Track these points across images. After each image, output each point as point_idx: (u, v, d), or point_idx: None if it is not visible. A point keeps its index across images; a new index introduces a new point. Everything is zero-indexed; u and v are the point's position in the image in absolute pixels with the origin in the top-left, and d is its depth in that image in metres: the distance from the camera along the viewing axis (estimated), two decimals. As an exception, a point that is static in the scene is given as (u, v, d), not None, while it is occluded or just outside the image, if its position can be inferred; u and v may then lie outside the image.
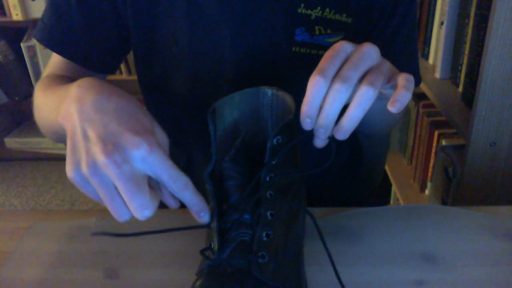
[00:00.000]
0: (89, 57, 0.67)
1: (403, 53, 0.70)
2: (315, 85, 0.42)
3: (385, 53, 0.68)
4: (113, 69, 0.72)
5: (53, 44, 0.66)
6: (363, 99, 0.42)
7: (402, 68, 0.71)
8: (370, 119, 0.54)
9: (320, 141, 0.46)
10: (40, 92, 0.62)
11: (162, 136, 0.43)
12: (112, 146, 0.38)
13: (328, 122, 0.43)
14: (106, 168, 0.38)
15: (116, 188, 0.39)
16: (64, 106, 0.44)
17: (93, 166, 0.39)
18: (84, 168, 0.39)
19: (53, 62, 0.70)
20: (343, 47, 0.44)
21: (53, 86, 0.60)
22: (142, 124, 0.41)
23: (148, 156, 0.39)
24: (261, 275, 0.41)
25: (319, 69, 0.42)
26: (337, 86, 0.42)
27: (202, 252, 0.44)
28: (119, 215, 0.41)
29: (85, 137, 0.40)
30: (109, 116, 0.41)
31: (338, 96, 0.42)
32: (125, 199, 0.39)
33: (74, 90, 0.44)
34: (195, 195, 0.43)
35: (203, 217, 0.44)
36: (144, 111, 0.44)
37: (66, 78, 0.66)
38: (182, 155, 0.77)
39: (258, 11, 0.62)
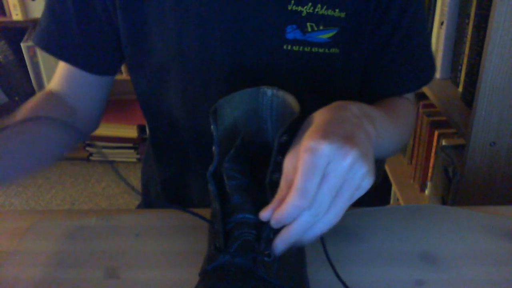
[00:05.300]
0: (88, 59, 0.68)
1: (411, 43, 0.68)
2: (294, 207, 0.40)
3: (388, 46, 0.67)
4: (113, 71, 0.72)
5: (51, 47, 0.68)
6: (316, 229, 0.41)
7: (412, 59, 0.70)
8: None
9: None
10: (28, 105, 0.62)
11: None
12: None
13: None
14: None
15: None
16: None
17: None
18: None
19: (57, 73, 0.71)
20: (322, 160, 0.40)
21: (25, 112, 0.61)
22: None
23: None
24: (266, 274, 0.41)
25: (300, 189, 0.40)
26: (313, 211, 0.40)
27: (215, 246, 0.44)
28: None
29: None
30: None
31: (310, 222, 0.41)
32: None
33: None
34: None
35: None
36: None
37: (53, 101, 0.68)
38: (179, 157, 0.77)
39: (247, 9, 0.62)
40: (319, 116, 0.44)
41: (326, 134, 0.40)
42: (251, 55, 0.64)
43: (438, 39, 1.22)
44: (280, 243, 0.42)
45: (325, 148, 0.39)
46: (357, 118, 0.46)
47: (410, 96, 0.74)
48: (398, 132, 0.65)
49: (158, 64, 0.67)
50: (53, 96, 0.70)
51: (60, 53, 0.68)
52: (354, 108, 0.47)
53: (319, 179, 0.39)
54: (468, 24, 1.05)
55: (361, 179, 0.41)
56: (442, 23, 1.18)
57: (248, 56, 0.64)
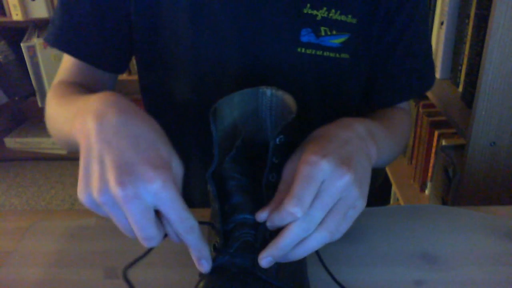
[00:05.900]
0: (102, 56, 0.67)
1: (414, 51, 0.69)
2: (288, 213, 0.40)
3: (393, 53, 0.68)
4: (124, 68, 0.71)
5: (65, 45, 0.66)
6: (313, 243, 0.41)
7: (414, 67, 0.71)
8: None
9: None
10: (53, 100, 0.60)
11: (178, 168, 0.42)
12: (126, 176, 0.37)
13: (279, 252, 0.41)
14: (117, 199, 0.37)
15: None
16: (80, 119, 0.42)
17: (105, 194, 0.38)
18: (95, 194, 0.38)
19: (64, 67, 0.69)
20: (319, 174, 0.41)
21: (68, 95, 0.58)
22: (160, 155, 0.40)
23: (161, 193, 0.38)
24: (265, 274, 0.41)
25: (295, 197, 0.40)
26: (304, 225, 0.40)
27: (214, 247, 0.44)
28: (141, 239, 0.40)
29: (100, 160, 0.39)
30: (128, 142, 0.39)
31: (300, 235, 0.41)
32: (133, 229, 0.39)
33: (94, 104, 0.42)
34: (199, 241, 0.41)
35: (203, 264, 0.42)
36: (165, 140, 0.42)
37: (79, 86, 0.66)
38: (181, 157, 0.76)
39: (263, 11, 0.62)
40: (325, 132, 0.46)
41: (327, 152, 0.42)
42: (265, 57, 0.64)
43: (438, 39, 1.22)
44: (266, 257, 0.41)
45: (324, 164, 0.41)
46: (361, 140, 0.47)
47: (406, 103, 0.75)
48: (396, 144, 0.67)
49: (169, 63, 0.67)
50: (74, 84, 0.68)
51: (74, 51, 0.66)
52: (360, 128, 0.48)
53: (314, 191, 0.40)
54: (468, 24, 1.05)
55: (354, 200, 0.43)
56: (442, 23, 1.18)
57: (262, 58, 0.64)
